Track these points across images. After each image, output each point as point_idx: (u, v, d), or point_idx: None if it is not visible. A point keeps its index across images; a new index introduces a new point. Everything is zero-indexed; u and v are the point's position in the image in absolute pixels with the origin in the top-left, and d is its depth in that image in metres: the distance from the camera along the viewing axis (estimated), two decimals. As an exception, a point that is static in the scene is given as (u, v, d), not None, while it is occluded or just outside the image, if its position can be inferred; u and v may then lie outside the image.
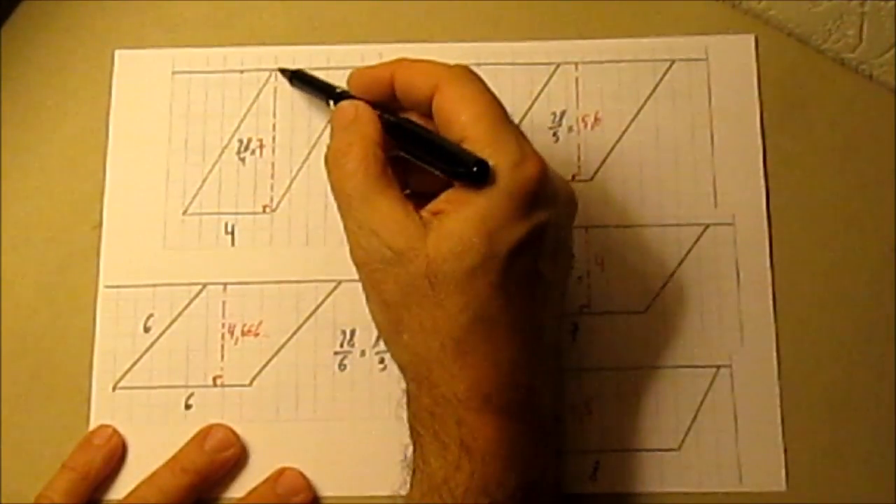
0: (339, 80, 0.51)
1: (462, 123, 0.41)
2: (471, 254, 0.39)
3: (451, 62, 0.52)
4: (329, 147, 0.43)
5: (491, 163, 0.39)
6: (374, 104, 0.44)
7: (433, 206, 0.41)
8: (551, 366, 0.43)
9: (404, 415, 0.42)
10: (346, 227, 0.42)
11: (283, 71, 0.51)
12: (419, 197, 0.42)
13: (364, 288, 0.42)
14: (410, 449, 0.41)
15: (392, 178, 0.42)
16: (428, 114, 0.43)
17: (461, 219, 0.40)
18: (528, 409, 0.40)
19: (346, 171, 0.42)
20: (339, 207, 0.42)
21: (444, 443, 0.39)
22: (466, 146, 0.40)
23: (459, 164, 0.40)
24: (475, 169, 0.39)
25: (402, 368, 0.42)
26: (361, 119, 0.43)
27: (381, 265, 0.40)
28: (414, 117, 0.44)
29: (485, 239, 0.39)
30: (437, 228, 0.40)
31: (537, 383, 0.41)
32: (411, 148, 0.43)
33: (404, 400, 0.42)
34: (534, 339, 0.41)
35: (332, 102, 0.47)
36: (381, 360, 0.49)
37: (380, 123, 0.43)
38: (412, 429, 0.41)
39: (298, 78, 0.51)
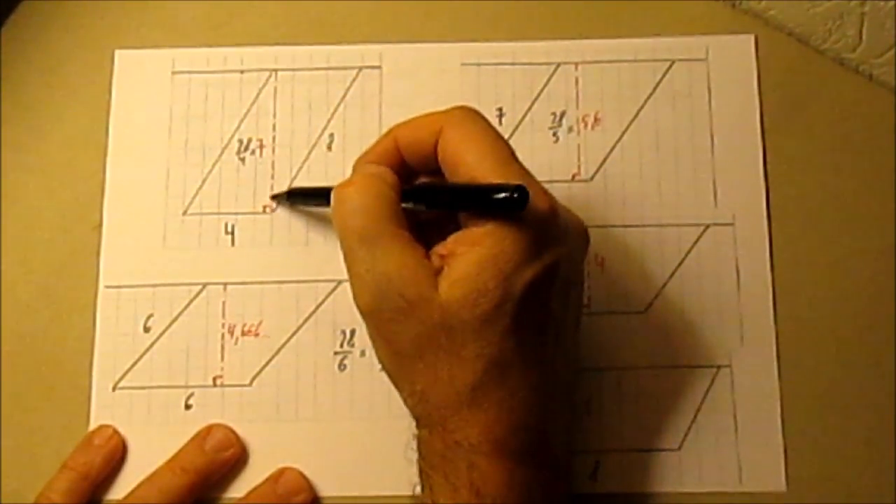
0: (340, 81, 0.52)
1: (468, 164, 0.39)
2: (486, 299, 0.38)
3: (452, 62, 0.52)
4: (338, 184, 0.41)
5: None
6: None
7: (441, 248, 0.40)
8: (564, 406, 0.42)
9: (413, 457, 0.41)
10: (350, 271, 0.40)
11: (275, 197, 0.50)
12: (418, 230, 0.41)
13: (371, 336, 0.41)
14: (419, 488, 0.41)
15: (405, 220, 0.40)
16: (439, 172, 0.41)
17: (473, 262, 0.38)
18: (539, 452, 0.40)
19: (355, 207, 0.40)
20: (344, 248, 0.40)
21: (454, 485, 0.39)
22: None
23: (497, 192, 0.38)
24: (515, 195, 0.37)
25: (414, 415, 0.41)
26: (375, 167, 0.42)
27: (392, 314, 0.39)
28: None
29: (500, 282, 0.38)
30: (448, 274, 0.39)
31: (549, 425, 0.40)
32: (438, 201, 0.41)
33: (414, 443, 0.41)
34: (546, 380, 0.40)
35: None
36: (381, 360, 0.49)
37: (394, 174, 0.42)
38: (422, 469, 0.40)
39: (295, 195, 0.49)
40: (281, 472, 0.47)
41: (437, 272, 0.39)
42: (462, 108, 0.42)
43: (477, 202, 0.39)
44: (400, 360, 0.40)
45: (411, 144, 0.42)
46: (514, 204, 0.37)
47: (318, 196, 0.46)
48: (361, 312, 0.40)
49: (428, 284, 0.38)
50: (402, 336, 0.39)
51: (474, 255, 0.38)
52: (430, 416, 0.40)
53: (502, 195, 0.38)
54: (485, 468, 0.38)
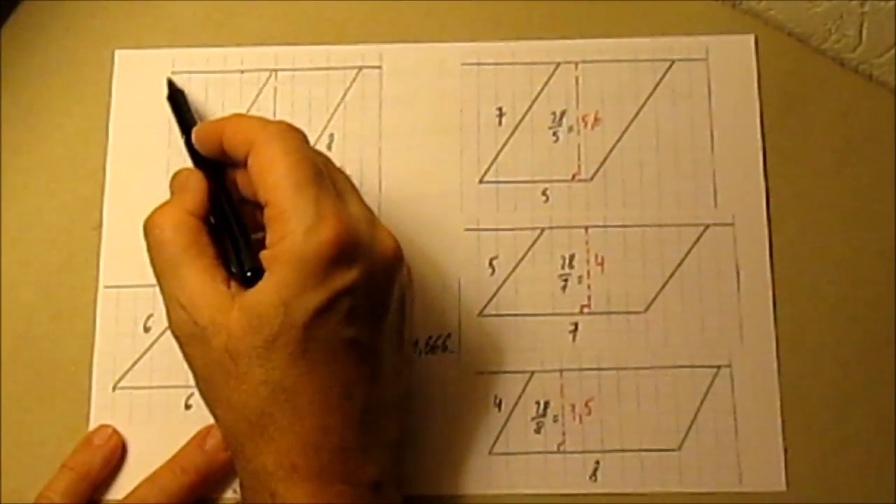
0: (340, 81, 0.52)
1: (266, 187, 0.40)
2: (267, 325, 0.38)
3: (452, 62, 0.52)
4: (149, 214, 0.43)
5: (289, 227, 0.39)
6: (219, 162, 0.44)
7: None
8: (381, 426, 0.42)
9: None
10: (162, 298, 0.42)
11: (170, 82, 0.50)
12: None
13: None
14: None
15: (205, 246, 0.41)
16: None
17: (257, 290, 0.39)
18: (346, 471, 0.40)
19: (156, 240, 0.42)
20: (155, 278, 0.42)
21: None
22: (269, 209, 0.40)
23: (237, 264, 0.41)
24: (248, 274, 0.40)
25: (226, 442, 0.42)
26: (186, 186, 0.43)
27: (189, 339, 0.40)
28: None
29: (279, 309, 0.38)
30: (238, 301, 0.39)
31: (356, 446, 0.40)
32: (217, 227, 0.43)
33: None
34: (350, 404, 0.40)
35: (184, 140, 0.47)
36: (381, 360, 0.49)
37: (205, 192, 0.43)
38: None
39: (173, 99, 0.49)
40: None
41: (234, 299, 0.40)
42: (280, 124, 0.42)
43: (229, 256, 0.42)
44: (201, 386, 0.41)
45: (231, 148, 0.42)
46: (247, 281, 0.40)
47: (179, 122, 0.48)
48: (173, 336, 0.42)
49: (221, 311, 0.39)
50: (199, 361, 0.40)
51: (260, 283, 0.39)
52: (230, 444, 0.41)
53: (235, 270, 0.41)
54: (284, 494, 0.39)
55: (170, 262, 0.41)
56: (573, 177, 0.51)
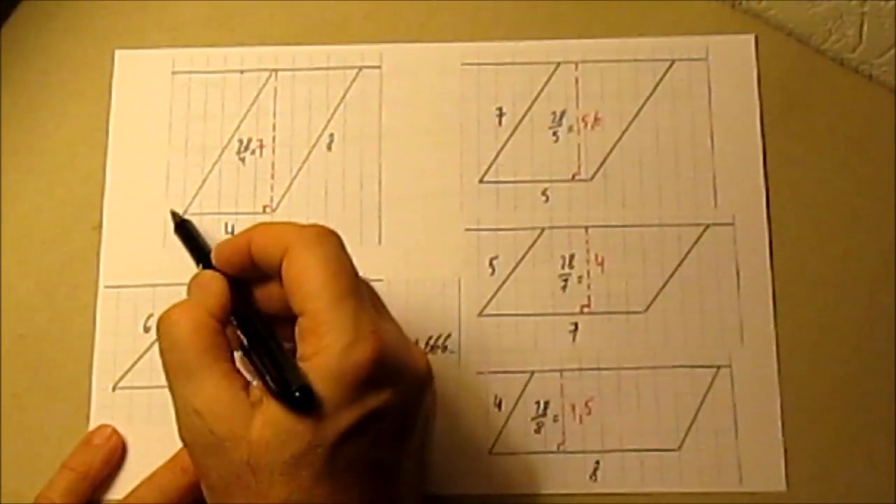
0: (340, 81, 0.52)
1: (302, 295, 0.38)
2: (295, 442, 0.36)
3: (452, 62, 0.52)
4: (165, 310, 0.40)
5: (325, 342, 0.37)
6: (243, 280, 0.42)
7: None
8: None
9: None
10: (173, 402, 0.39)
11: (174, 214, 0.49)
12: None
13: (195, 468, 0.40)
14: None
15: (224, 350, 0.39)
16: None
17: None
18: None
19: (173, 340, 0.39)
20: (167, 380, 0.40)
21: None
22: (304, 320, 0.38)
23: (282, 386, 0.37)
24: (297, 394, 0.36)
25: None
26: (207, 289, 0.41)
27: (204, 449, 0.38)
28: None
29: (309, 426, 0.36)
30: (263, 411, 0.37)
31: None
32: (248, 349, 0.40)
33: None
34: None
35: (200, 267, 0.45)
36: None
37: (228, 296, 0.41)
38: None
39: (181, 229, 0.48)
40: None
41: (255, 408, 0.38)
42: (317, 228, 0.40)
43: (268, 380, 0.38)
44: (214, 496, 0.39)
45: (261, 256, 0.40)
46: (297, 403, 0.37)
47: (192, 250, 0.47)
48: (183, 443, 0.40)
49: (241, 421, 0.37)
50: (213, 473, 0.38)
51: None
52: None
53: (284, 392, 0.37)
54: None
55: (185, 364, 0.39)
56: (573, 177, 0.51)
